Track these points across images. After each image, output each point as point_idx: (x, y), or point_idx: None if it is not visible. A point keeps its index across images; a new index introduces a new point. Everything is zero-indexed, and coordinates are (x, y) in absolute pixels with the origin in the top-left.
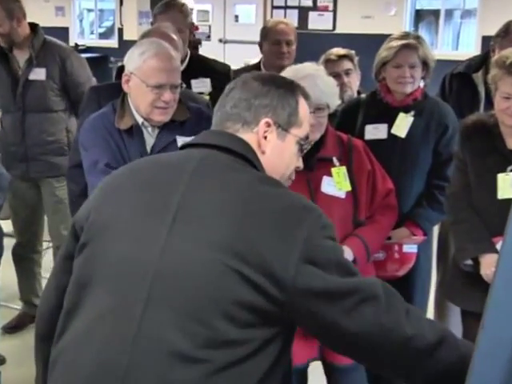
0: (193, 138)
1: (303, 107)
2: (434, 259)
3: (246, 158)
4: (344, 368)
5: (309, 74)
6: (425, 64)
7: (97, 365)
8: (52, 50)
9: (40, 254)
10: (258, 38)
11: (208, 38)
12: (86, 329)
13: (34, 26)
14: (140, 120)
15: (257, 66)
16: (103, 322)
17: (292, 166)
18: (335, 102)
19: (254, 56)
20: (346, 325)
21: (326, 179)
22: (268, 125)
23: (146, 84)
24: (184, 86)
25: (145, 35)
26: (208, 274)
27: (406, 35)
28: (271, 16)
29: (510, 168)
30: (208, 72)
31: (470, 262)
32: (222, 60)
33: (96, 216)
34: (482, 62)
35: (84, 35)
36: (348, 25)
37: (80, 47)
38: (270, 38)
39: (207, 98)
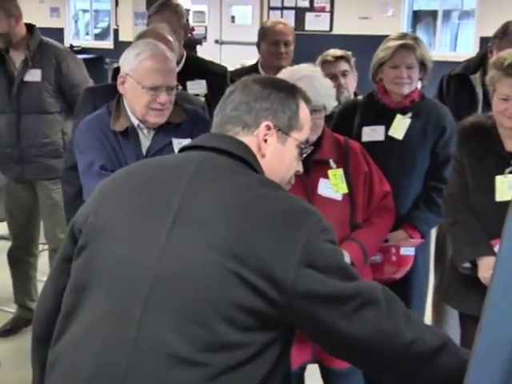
0: (188, 140)
1: (304, 111)
2: (431, 262)
3: (246, 160)
4: (341, 372)
5: (305, 75)
6: (422, 65)
7: (96, 367)
8: (48, 51)
9: (36, 257)
10: (254, 39)
11: (204, 39)
12: (85, 331)
13: (30, 27)
14: (135, 122)
15: (254, 67)
16: (102, 325)
17: (292, 170)
18: (332, 104)
19: (250, 57)
20: (346, 329)
21: (322, 181)
22: (268, 128)
23: (142, 85)
24: (180, 87)
25: (140, 36)
26: (207, 276)
27: (403, 36)
28: (268, 17)
29: (508, 170)
30: (204, 73)
31: (467, 264)
32: (218, 61)
33: (95, 218)
34: (479, 63)
35: (79, 36)
36: (345, 26)
37: (75, 48)
38: (268, 38)
39: (203, 99)
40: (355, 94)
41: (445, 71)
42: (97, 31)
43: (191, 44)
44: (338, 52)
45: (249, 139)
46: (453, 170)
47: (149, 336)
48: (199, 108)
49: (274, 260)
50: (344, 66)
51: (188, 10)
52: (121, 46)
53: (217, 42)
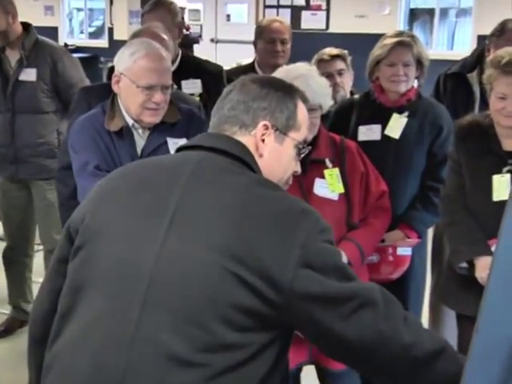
0: (183, 139)
1: (302, 111)
2: (428, 262)
3: (244, 160)
4: (337, 373)
5: (301, 74)
6: (419, 63)
7: (93, 368)
8: (43, 50)
9: (31, 257)
10: (250, 38)
11: (199, 37)
12: (82, 332)
13: (26, 26)
14: (130, 121)
15: (251, 66)
16: (99, 325)
17: (290, 170)
18: (328, 103)
19: (246, 56)
20: (344, 330)
21: (318, 181)
22: (266, 127)
23: (137, 85)
24: (175, 86)
25: (135, 35)
26: (206, 276)
27: (400, 33)
28: (263, 15)
29: (505, 169)
30: (200, 73)
31: (464, 264)
32: (213, 60)
33: (91, 219)
34: (476, 61)
35: (73, 35)
36: (341, 24)
37: (69, 47)
38: (264, 36)
39: (197, 99)
40: (351, 93)
41: (442, 70)
42: (91, 30)
43: (188, 43)
44: (334, 51)
45: (246, 139)
46: (450, 169)
47: (147, 336)
48: (194, 107)
49: (272, 260)
50: (340, 64)
51: (183, 9)
52: (115, 45)
53: (212, 40)
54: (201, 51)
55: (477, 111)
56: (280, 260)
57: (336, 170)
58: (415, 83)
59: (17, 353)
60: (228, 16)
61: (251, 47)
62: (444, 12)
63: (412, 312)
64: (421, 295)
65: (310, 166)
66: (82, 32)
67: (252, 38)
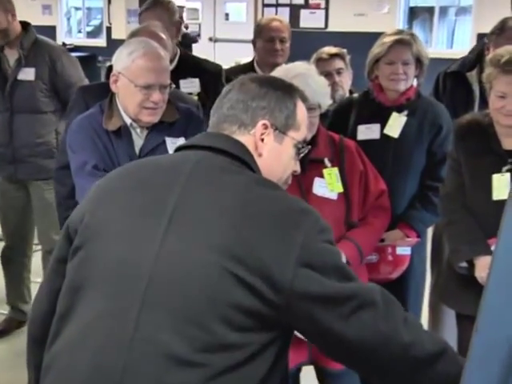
0: (182, 139)
1: (301, 110)
2: (428, 261)
3: (243, 160)
4: (336, 373)
5: (300, 73)
6: (418, 61)
7: (92, 369)
8: (42, 49)
9: (29, 258)
10: (248, 37)
11: (198, 36)
12: (81, 333)
13: (25, 25)
14: (128, 121)
15: (250, 65)
16: (98, 326)
17: (289, 170)
18: (327, 102)
19: (244, 55)
20: (343, 330)
21: (317, 180)
22: (265, 127)
23: (135, 84)
24: (173, 86)
25: (133, 34)
26: (205, 276)
27: (399, 32)
28: (262, 14)
29: (505, 168)
30: (198, 72)
31: (464, 264)
32: (212, 59)
33: (90, 219)
34: (476, 60)
35: (71, 34)
36: (340, 23)
37: (67, 46)
38: (263, 35)
39: (196, 98)
40: (350, 92)
41: (441, 68)
42: (89, 29)
43: (187, 42)
44: (332, 49)
45: (245, 138)
46: (449, 168)
47: (146, 336)
48: (193, 107)
49: (271, 260)
50: (339, 63)
51: (182, 7)
52: (114, 44)
53: (211, 39)
54: (199, 50)
55: (476, 110)
56: (280, 260)
57: (335, 170)
58: (414, 82)
59: (14, 353)
60: (227, 15)
61: (250, 46)
62: (444, 10)
63: (411, 312)
64: (420, 295)
65: (309, 165)
66: (79, 31)
67: (251, 36)
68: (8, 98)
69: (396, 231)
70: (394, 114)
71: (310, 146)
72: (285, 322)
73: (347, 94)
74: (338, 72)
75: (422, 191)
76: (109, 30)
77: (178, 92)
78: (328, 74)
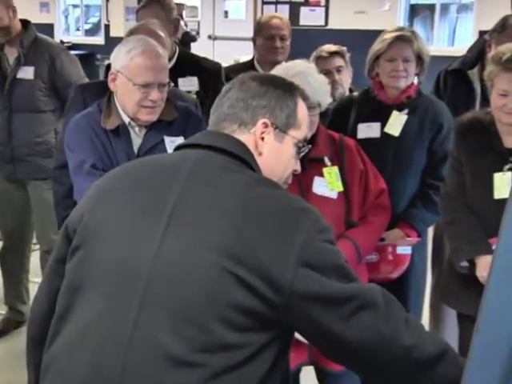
0: (180, 137)
1: (302, 109)
2: (428, 261)
3: (243, 159)
4: (337, 374)
5: (299, 71)
6: (419, 59)
7: (91, 369)
8: (42, 48)
9: (28, 258)
10: (248, 34)
11: (197, 34)
12: (80, 333)
13: (25, 23)
14: (127, 120)
15: (250, 63)
16: (97, 326)
17: (289, 169)
18: (327, 101)
19: (244, 53)
20: (343, 332)
21: (317, 180)
22: (266, 125)
23: (133, 82)
24: (172, 84)
25: (132, 32)
26: (204, 276)
27: (400, 29)
28: (261, 12)
29: (506, 167)
30: (197, 70)
31: (465, 263)
32: (211, 57)
33: (89, 218)
34: (477, 58)
35: (69, 32)
36: (340, 20)
37: (65, 44)
38: (263, 32)
39: (194, 97)
40: (350, 91)
41: (443, 66)
42: (87, 27)
43: (186, 41)
44: (332, 47)
45: (245, 137)
46: (450, 167)
47: (145, 337)
48: (191, 105)
49: (271, 260)
50: (339, 61)
51: (183, 5)
52: (112, 42)
53: (210, 37)
54: (198, 48)
55: (477, 108)
56: (279, 260)
57: (335, 168)
58: (415, 80)
59: (14, 354)
60: (226, 12)
61: (249, 44)
62: (445, 7)
63: (412, 311)
64: (421, 294)
65: (309, 164)
66: (78, 29)
67: (250, 34)
68: (7, 97)
69: (396, 230)
70: (395, 113)
71: (310, 145)
72: (285, 322)
73: (347, 93)
74: (338, 70)
75: (422, 190)
76: (107, 27)
77: (177, 90)
78: (328, 72)
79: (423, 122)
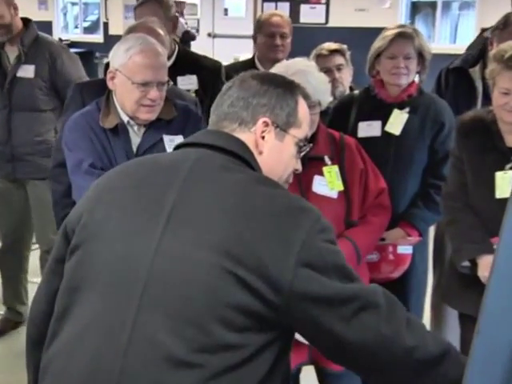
0: (180, 136)
1: (303, 107)
2: (430, 261)
3: (243, 158)
4: (337, 374)
5: (299, 69)
6: (420, 56)
7: (90, 371)
8: (42, 47)
9: (27, 258)
10: (247, 32)
11: (196, 32)
12: (78, 334)
13: (26, 22)
14: (125, 118)
15: (250, 61)
16: (96, 327)
17: (290, 168)
18: (327, 99)
19: (243, 51)
20: (344, 332)
21: (317, 179)
22: (266, 124)
23: (132, 81)
24: (171, 83)
25: (130, 30)
26: (204, 276)
27: (401, 26)
28: (262, 9)
29: (508, 166)
30: (196, 69)
31: (467, 263)
32: (210, 55)
33: (88, 218)
34: (479, 56)
35: (68, 30)
36: (341, 18)
37: (64, 42)
38: (264, 30)
39: (193, 95)
40: (351, 89)
41: (444, 64)
42: (86, 24)
43: (186, 39)
44: (332, 45)
45: (246, 136)
46: (452, 166)
47: (144, 337)
48: (191, 104)
49: (271, 260)
50: (339, 59)
51: (184, 3)
52: (111, 40)
53: (209, 35)
54: (198, 46)
55: (479, 107)
56: (279, 260)
57: (335, 167)
58: (416, 78)
59: (11, 354)
60: (226, 10)
61: (249, 42)
62: (446, 5)
63: (413, 312)
64: (422, 294)
65: (309, 163)
66: (76, 27)
67: (250, 32)
68: (7, 95)
69: (397, 230)
70: (396, 111)
71: (311, 144)
72: (285, 322)
73: (347, 91)
74: (338, 68)
75: (423, 189)
76: (106, 25)
77: (176, 89)
78: (328, 71)
79: (424, 120)
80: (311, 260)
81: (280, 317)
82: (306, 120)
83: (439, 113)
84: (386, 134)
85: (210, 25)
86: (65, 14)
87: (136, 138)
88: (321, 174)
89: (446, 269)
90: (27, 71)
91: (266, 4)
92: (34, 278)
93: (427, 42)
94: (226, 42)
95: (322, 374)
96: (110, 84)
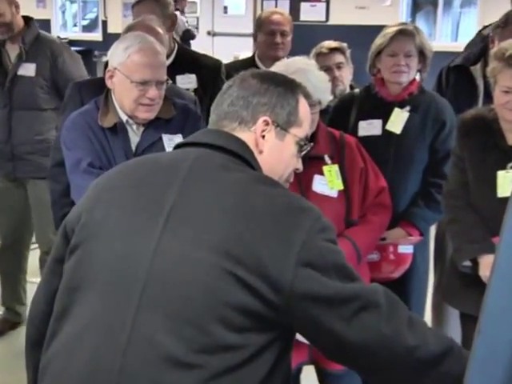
0: (179, 135)
1: (303, 106)
2: (431, 260)
3: (243, 157)
4: (337, 374)
5: (299, 68)
6: (421, 54)
7: (89, 371)
8: (44, 45)
9: (26, 259)
10: (247, 30)
11: (196, 29)
12: (78, 334)
13: (28, 20)
14: (124, 117)
15: (251, 60)
16: (95, 327)
17: (290, 168)
18: (327, 98)
19: (243, 49)
20: (344, 332)
21: (317, 178)
22: (266, 123)
23: (131, 80)
24: (170, 82)
25: (129, 28)
26: (203, 276)
27: (402, 24)
28: (261, 7)
29: (510, 165)
30: (196, 67)
31: (468, 263)
32: (210, 53)
33: (88, 218)
34: (480, 54)
35: (66, 28)
36: (342, 16)
37: (62, 40)
38: (264, 28)
39: (192, 94)
40: (351, 87)
41: (446, 62)
42: (85, 23)
43: (187, 38)
44: (332, 44)
45: (246, 135)
46: (453, 165)
47: (142, 338)
48: (190, 103)
49: (271, 260)
50: (339, 58)
51: (185, 1)
52: (110, 38)
53: (209, 33)
54: (197, 44)
55: (480, 105)
56: (280, 260)
57: (335, 167)
58: (417, 76)
59: (10, 355)
60: (225, 8)
61: (249, 40)
62: (448, 2)
63: (414, 311)
64: (423, 294)
65: (309, 162)
66: (75, 25)
67: (250, 30)
68: (7, 94)
69: (398, 229)
70: (396, 110)
71: (312, 144)
72: (285, 322)
73: (347, 89)
74: (338, 66)
75: (424, 188)
76: (105, 23)
77: (175, 88)
78: (328, 69)
79: (425, 119)
80: (311, 260)
81: (280, 317)
82: (306, 119)
83: (440, 111)
84: (386, 133)
85: (210, 23)
86: (63, 12)
87: (135, 137)
88: (321, 173)
89: (447, 268)
90: (28, 69)
91: (265, 2)
92: (33, 278)
93: (428, 40)
94: (225, 40)
95: (322, 374)
96: (108, 83)
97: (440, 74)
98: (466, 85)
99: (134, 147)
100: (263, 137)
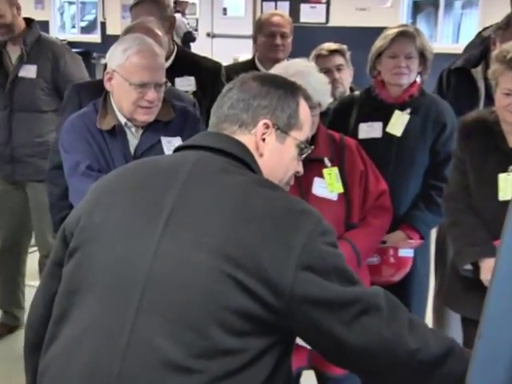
0: (178, 138)
1: (304, 109)
2: (431, 264)
3: (243, 160)
4: (337, 378)
5: (299, 70)
6: (422, 56)
7: (88, 374)
8: (45, 47)
9: (25, 262)
10: (247, 32)
11: (195, 31)
12: (77, 338)
13: (29, 22)
14: (123, 120)
15: (251, 62)
16: (94, 330)
17: (291, 171)
18: (327, 100)
19: (243, 51)
20: (345, 336)
21: (317, 181)
22: (267, 126)
23: (129, 82)
24: (169, 84)
25: (128, 30)
26: (202, 280)
27: (402, 25)
28: (261, 9)
29: (511, 167)
30: (195, 70)
31: (469, 266)
32: (209, 55)
33: (87, 221)
34: (481, 56)
35: (65, 29)
36: (342, 18)
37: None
38: (264, 30)
39: (191, 97)
40: (351, 90)
41: (447, 64)
42: (83, 24)
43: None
44: (332, 46)
45: (246, 138)
46: (453, 167)
47: (142, 341)
48: (189, 105)
49: (271, 263)
50: (339, 60)
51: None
52: (108, 40)
53: (208, 35)
54: (196, 46)
55: (481, 107)
56: (280, 263)
57: (335, 169)
58: (418, 78)
59: (7, 358)
60: (224, 9)
61: (248, 42)
62: (449, 3)
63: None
64: (424, 298)
65: (309, 165)
66: (73, 26)
67: (249, 32)
68: (8, 96)
69: (398, 233)
70: (397, 112)
71: (312, 147)
72: (285, 326)
73: (348, 92)
74: (338, 68)
75: (425, 191)
76: (103, 25)
77: (174, 90)
78: (328, 71)
79: (426, 121)
80: (312, 263)
81: (280, 320)
82: (307, 122)
83: (441, 114)
84: (387, 136)
85: (209, 24)
86: (62, 14)
87: (134, 139)
88: (321, 175)
89: (448, 272)
90: (29, 71)
91: (265, 3)
92: (32, 282)
93: (429, 42)
94: (225, 42)
95: (322, 378)
96: (107, 85)
97: (441, 76)
98: (466, 87)
99: (132, 150)
100: (263, 140)
